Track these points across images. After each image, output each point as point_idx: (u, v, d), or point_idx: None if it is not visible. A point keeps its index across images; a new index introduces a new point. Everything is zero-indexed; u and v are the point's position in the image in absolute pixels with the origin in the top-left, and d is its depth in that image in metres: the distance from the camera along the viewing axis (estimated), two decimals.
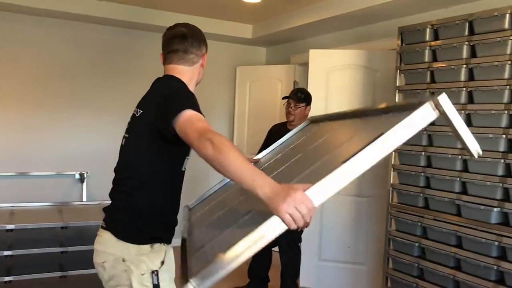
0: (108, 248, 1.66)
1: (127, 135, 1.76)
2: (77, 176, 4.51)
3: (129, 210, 1.67)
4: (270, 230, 1.16)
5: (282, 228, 1.17)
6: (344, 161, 1.24)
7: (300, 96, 3.50)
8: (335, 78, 4.00)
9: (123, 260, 1.62)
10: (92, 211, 3.72)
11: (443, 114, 1.22)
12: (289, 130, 3.48)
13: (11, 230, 3.14)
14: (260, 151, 3.62)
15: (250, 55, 5.55)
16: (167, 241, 1.72)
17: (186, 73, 1.81)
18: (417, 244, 2.94)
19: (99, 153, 4.51)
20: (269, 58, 5.61)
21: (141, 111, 1.71)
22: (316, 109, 4.01)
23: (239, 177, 1.27)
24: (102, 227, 1.72)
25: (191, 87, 1.81)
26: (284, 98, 3.60)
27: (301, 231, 3.40)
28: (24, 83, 4.35)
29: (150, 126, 1.63)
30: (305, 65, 4.47)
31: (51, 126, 4.46)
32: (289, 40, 5.11)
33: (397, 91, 3.14)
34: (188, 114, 1.49)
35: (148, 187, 1.67)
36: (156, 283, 1.62)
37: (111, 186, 1.79)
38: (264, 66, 5.44)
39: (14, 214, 3.50)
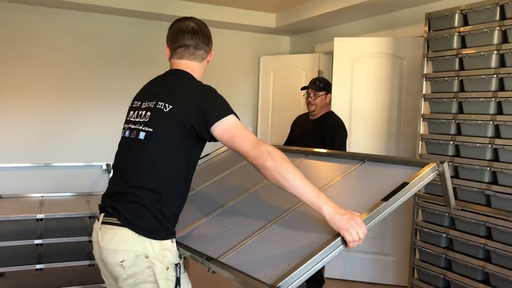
0: (129, 246, 1.62)
1: (150, 129, 1.68)
2: (104, 167, 4.59)
3: (155, 207, 1.64)
4: (332, 248, 1.41)
5: (342, 247, 1.42)
6: (384, 199, 1.60)
7: (318, 85, 3.38)
8: (360, 66, 3.94)
9: (146, 257, 1.62)
10: None
11: (440, 175, 1.72)
12: (311, 121, 3.43)
13: (41, 219, 3.21)
14: (286, 143, 3.57)
15: (274, 44, 5.51)
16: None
17: (197, 69, 1.83)
18: (444, 235, 2.89)
19: None
20: (293, 47, 5.56)
21: (171, 106, 1.66)
22: (341, 98, 3.97)
23: (301, 191, 1.48)
24: (114, 224, 1.65)
25: None
26: (302, 88, 3.50)
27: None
28: (51, 76, 4.43)
29: (185, 124, 1.64)
30: (330, 54, 4.42)
31: (78, 118, 4.53)
32: (313, 29, 5.05)
33: (424, 79, 3.06)
34: (232, 121, 1.62)
35: (174, 185, 1.69)
36: (178, 276, 1.66)
37: None
38: (288, 56, 5.39)
39: (43, 204, 3.59)
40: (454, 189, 2.86)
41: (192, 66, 1.82)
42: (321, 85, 3.39)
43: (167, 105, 1.67)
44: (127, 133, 1.78)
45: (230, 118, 1.63)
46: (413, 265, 3.13)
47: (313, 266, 1.37)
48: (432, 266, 2.96)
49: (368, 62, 3.92)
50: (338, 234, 1.42)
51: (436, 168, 1.70)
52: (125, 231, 1.63)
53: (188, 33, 1.80)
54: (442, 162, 1.70)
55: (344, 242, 1.42)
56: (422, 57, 3.09)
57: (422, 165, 1.74)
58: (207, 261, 1.60)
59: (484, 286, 2.63)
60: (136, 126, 1.74)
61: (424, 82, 3.07)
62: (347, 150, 3.36)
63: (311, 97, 3.37)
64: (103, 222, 1.69)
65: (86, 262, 3.26)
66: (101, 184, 4.56)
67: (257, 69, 5.42)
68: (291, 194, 1.51)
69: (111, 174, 1.95)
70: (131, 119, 1.79)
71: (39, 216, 3.19)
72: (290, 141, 3.57)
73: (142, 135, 1.70)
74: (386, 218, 4.20)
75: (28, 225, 3.36)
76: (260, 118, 5.40)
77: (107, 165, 4.57)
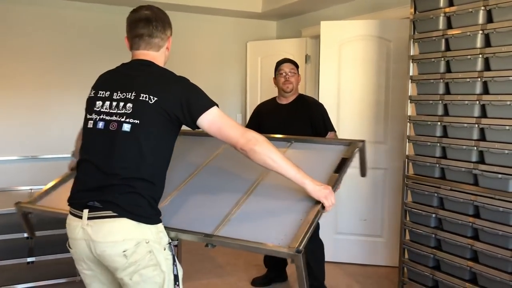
0: (130, 235, 1.65)
1: (136, 121, 1.69)
2: None
3: (149, 195, 1.71)
4: (320, 213, 1.78)
5: (323, 211, 1.79)
6: (336, 172, 2.00)
7: (293, 61, 3.21)
8: (347, 50, 3.93)
9: (147, 242, 1.66)
10: None
11: (361, 150, 2.13)
12: (282, 106, 3.17)
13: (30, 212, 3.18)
14: None
15: (261, 29, 5.48)
16: None
17: (158, 59, 1.84)
18: (434, 215, 2.92)
19: None
20: (280, 32, 5.53)
21: (156, 98, 1.69)
22: (329, 82, 3.97)
23: (287, 169, 1.73)
24: (107, 217, 1.65)
25: None
26: (276, 66, 3.20)
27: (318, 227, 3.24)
28: (35, 67, 4.38)
29: (170, 115, 1.70)
30: (317, 38, 4.40)
31: (64, 109, 4.49)
32: (299, 13, 5.01)
33: (411, 60, 3.07)
34: (217, 112, 1.74)
35: (161, 172, 1.78)
36: (173, 253, 1.77)
37: None
38: (275, 41, 5.36)
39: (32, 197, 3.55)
40: (442, 169, 2.89)
41: (152, 56, 1.82)
42: (294, 63, 3.22)
43: (151, 97, 1.69)
44: (100, 124, 1.74)
45: (214, 110, 1.74)
46: (403, 246, 3.17)
47: (311, 228, 1.69)
48: (422, 246, 3.00)
49: (355, 45, 3.91)
50: (318, 202, 1.78)
51: (358, 146, 2.10)
52: (123, 221, 1.65)
53: (141, 22, 1.79)
54: (361, 141, 2.13)
55: (323, 207, 1.78)
56: (409, 39, 3.09)
57: (347, 143, 2.16)
58: (207, 237, 1.73)
59: (473, 264, 2.67)
60: (116, 118, 1.72)
61: (411, 64, 3.08)
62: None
63: (288, 74, 3.14)
64: (90, 218, 1.67)
65: None
66: None
67: (244, 55, 5.39)
68: (276, 172, 1.75)
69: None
70: (102, 110, 1.76)
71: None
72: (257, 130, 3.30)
73: (126, 127, 1.70)
74: (376, 200, 4.31)
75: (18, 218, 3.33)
76: (249, 103, 5.38)
77: None
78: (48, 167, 4.38)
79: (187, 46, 5.05)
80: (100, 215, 1.66)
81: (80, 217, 1.69)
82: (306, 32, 4.96)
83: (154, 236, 1.69)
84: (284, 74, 3.16)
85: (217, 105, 1.76)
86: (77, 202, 1.73)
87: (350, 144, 2.13)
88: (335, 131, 3.22)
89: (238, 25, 5.32)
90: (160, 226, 1.74)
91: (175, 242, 2.07)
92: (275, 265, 3.54)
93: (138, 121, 1.69)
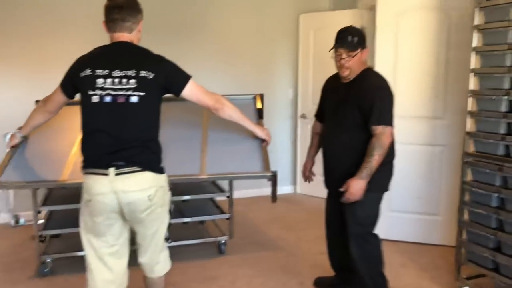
0: (153, 183, 2.17)
1: (142, 93, 2.11)
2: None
3: (158, 152, 2.24)
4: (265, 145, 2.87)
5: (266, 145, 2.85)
6: (259, 118, 3.21)
7: (352, 42, 2.58)
8: (405, 21, 3.76)
9: (162, 187, 2.24)
10: None
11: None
12: (340, 85, 2.73)
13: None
14: (317, 115, 3.00)
15: (313, 1, 5.33)
16: None
17: (133, 39, 2.24)
18: (496, 195, 2.78)
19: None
20: (334, 3, 5.36)
21: (153, 74, 2.13)
22: (385, 56, 3.82)
23: (244, 120, 2.60)
24: (133, 172, 2.12)
25: None
26: (331, 49, 2.67)
27: (374, 219, 2.74)
28: (26, 42, 4.35)
29: (162, 87, 2.20)
30: (373, 9, 4.22)
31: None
32: None
33: (475, 31, 2.88)
34: (194, 83, 2.29)
35: (159, 132, 2.27)
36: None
37: None
38: (329, 12, 5.21)
39: None
40: (506, 146, 2.73)
41: (128, 37, 2.21)
42: (354, 40, 2.59)
43: (150, 73, 2.13)
44: (107, 99, 2.11)
45: (192, 81, 2.28)
46: (461, 225, 3.05)
47: (268, 157, 2.81)
48: (482, 226, 2.87)
49: (414, 15, 3.73)
50: (263, 140, 2.83)
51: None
52: (146, 174, 2.15)
53: (116, 9, 2.16)
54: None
55: (263, 141, 2.83)
56: (473, 7, 2.89)
57: (251, 98, 3.41)
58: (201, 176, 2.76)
59: None
60: (123, 92, 2.11)
61: (475, 34, 2.89)
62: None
63: (343, 59, 2.61)
64: (118, 174, 2.10)
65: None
66: None
67: (296, 28, 5.28)
68: (237, 122, 2.56)
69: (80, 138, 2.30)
70: (105, 86, 2.11)
71: None
72: (322, 112, 2.95)
73: (134, 99, 2.11)
74: (432, 177, 4.20)
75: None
76: (301, 78, 5.31)
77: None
78: None
79: (236, 19, 5.01)
80: (126, 171, 2.11)
81: (106, 175, 2.09)
82: (362, 3, 4.78)
83: (165, 183, 2.28)
84: (339, 58, 2.65)
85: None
86: (101, 164, 2.11)
87: (253, 96, 3.37)
88: (385, 125, 2.55)
89: None
90: (165, 175, 2.28)
91: None
92: (343, 268, 3.02)
93: (144, 93, 2.11)
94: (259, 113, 3.19)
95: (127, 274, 2.36)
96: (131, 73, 2.11)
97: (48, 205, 3.30)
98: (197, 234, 3.94)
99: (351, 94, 2.64)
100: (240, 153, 2.85)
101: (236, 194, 5.18)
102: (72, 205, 3.24)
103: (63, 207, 3.27)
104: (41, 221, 3.35)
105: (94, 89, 2.12)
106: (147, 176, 2.15)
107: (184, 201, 3.52)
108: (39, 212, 3.19)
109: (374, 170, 2.51)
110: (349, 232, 2.73)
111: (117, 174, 2.10)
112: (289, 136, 5.50)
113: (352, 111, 2.62)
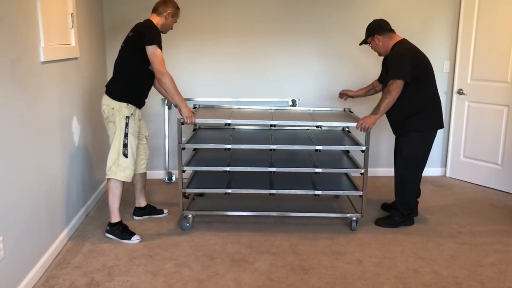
0: (108, 102, 3.26)
1: (123, 45, 3.34)
2: (290, 103, 4.73)
3: (126, 87, 3.30)
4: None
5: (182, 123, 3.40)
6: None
7: (366, 37, 3.63)
8: None
9: (113, 108, 3.24)
10: (300, 136, 3.86)
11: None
12: (385, 59, 3.64)
13: (229, 149, 3.50)
14: (380, 76, 3.80)
15: None
16: (136, 105, 3.35)
17: (156, 19, 3.34)
18: None
19: (308, 81, 4.66)
20: None
21: (131, 33, 3.26)
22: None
23: (176, 96, 3.29)
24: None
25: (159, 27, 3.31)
26: (361, 43, 3.75)
27: (415, 158, 3.55)
28: (241, 16, 4.66)
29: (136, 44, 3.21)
30: None
31: (267, 58, 4.72)
32: None
33: None
34: (154, 48, 3.13)
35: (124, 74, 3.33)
36: (128, 121, 3.26)
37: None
38: None
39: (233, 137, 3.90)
40: None
41: (152, 16, 3.38)
42: (365, 35, 3.62)
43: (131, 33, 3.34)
44: None
45: (154, 47, 3.13)
46: None
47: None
48: None
49: None
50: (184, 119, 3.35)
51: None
52: (105, 96, 3.33)
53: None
54: None
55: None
56: None
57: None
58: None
59: None
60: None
61: None
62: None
63: (371, 47, 3.66)
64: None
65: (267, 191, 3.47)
66: None
67: None
68: (171, 96, 3.33)
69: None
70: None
71: (228, 146, 3.46)
72: (382, 76, 3.81)
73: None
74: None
75: (222, 154, 3.77)
76: (460, 51, 4.77)
77: (293, 100, 4.71)
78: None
79: None
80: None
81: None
82: None
83: (118, 107, 3.23)
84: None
85: (159, 47, 3.16)
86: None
87: None
88: (394, 79, 3.36)
89: None
90: (124, 104, 3.23)
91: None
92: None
93: (123, 45, 3.31)
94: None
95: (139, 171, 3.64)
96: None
97: (192, 165, 3.57)
98: (329, 208, 3.89)
99: (386, 64, 3.59)
100: None
101: (376, 172, 4.98)
102: (213, 167, 3.47)
103: (205, 169, 3.51)
104: (185, 180, 3.65)
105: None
106: (105, 98, 3.29)
107: (316, 173, 3.49)
108: (183, 171, 3.47)
109: (383, 111, 3.39)
110: (396, 165, 3.69)
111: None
112: (443, 114, 5.02)
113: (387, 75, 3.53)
